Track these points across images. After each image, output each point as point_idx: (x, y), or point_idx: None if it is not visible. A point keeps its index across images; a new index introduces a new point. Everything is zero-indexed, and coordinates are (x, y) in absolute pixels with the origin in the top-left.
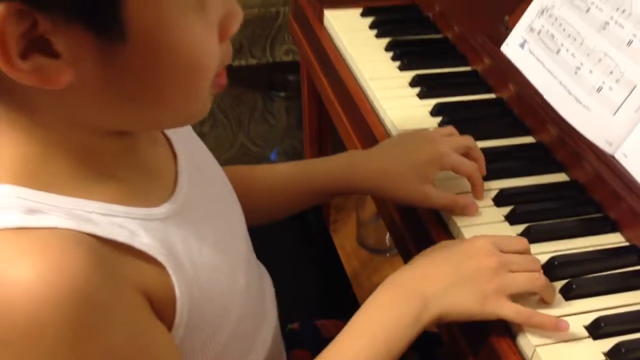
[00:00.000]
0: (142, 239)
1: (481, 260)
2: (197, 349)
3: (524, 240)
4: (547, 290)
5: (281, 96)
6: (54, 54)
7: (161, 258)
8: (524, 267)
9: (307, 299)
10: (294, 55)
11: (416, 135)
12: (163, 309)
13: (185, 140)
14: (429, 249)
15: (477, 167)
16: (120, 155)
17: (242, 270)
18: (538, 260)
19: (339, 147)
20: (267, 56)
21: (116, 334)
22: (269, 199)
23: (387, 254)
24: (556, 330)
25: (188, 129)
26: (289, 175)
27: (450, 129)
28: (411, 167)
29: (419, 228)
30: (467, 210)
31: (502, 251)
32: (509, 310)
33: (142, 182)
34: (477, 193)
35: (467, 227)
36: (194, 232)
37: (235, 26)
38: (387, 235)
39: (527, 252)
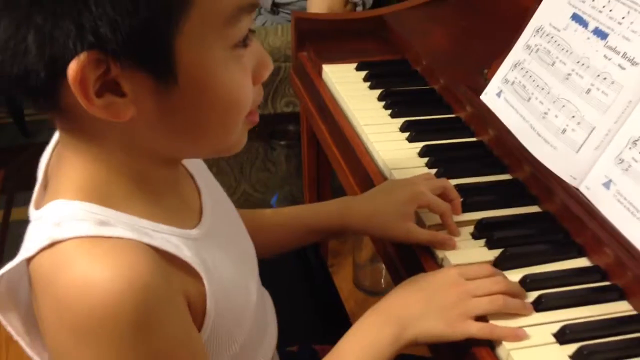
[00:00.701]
0: (185, 252)
1: (449, 289)
2: (214, 355)
3: (488, 267)
4: (508, 307)
5: (281, 145)
6: (121, 94)
7: (199, 269)
8: (486, 291)
9: (306, 326)
10: (294, 106)
11: (399, 181)
12: (195, 315)
13: (205, 178)
14: (407, 281)
15: (449, 207)
16: (165, 183)
17: (254, 288)
18: (502, 282)
19: (337, 192)
20: (269, 107)
21: (170, 326)
22: (273, 236)
23: (383, 295)
24: (515, 339)
25: (206, 169)
26: (291, 217)
27: (428, 174)
28: (394, 207)
29: (411, 256)
30: (445, 246)
31: (468, 279)
32: (474, 329)
33: (179, 208)
34: (449, 230)
35: (452, 252)
36: (218, 253)
37: (266, 73)
38: (383, 278)
39: (492, 276)
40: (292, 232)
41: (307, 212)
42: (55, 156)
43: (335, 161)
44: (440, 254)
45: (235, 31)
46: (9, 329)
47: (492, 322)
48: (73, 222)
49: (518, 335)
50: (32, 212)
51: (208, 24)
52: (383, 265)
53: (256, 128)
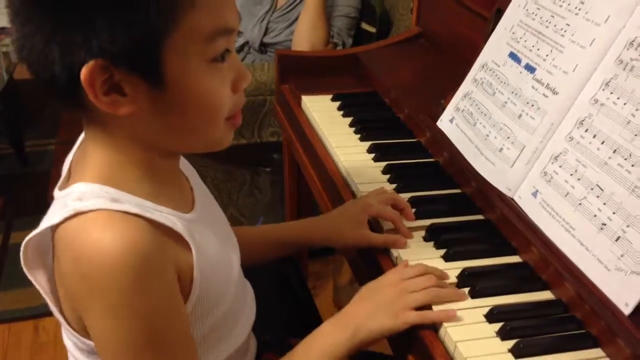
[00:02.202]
0: (179, 227)
1: (389, 288)
2: (200, 318)
3: (422, 266)
4: (440, 297)
5: (267, 172)
6: (123, 94)
7: (189, 240)
8: (421, 287)
9: (280, 324)
10: (278, 136)
11: (355, 200)
12: (184, 282)
13: (197, 181)
14: (361, 290)
15: (397, 214)
16: (166, 172)
17: (235, 268)
18: (434, 278)
19: (316, 214)
20: (255, 137)
21: (160, 286)
22: (250, 249)
23: None
24: (447, 320)
25: (198, 177)
26: (266, 234)
27: (381, 189)
28: (347, 218)
29: (370, 256)
30: (397, 245)
31: (406, 278)
32: (413, 317)
33: (177, 196)
34: (401, 233)
35: (405, 252)
36: (205, 235)
37: (243, 84)
38: None
39: (425, 274)
40: (266, 246)
41: (279, 229)
42: (79, 152)
43: (310, 180)
44: (394, 252)
45: (212, 48)
46: (37, 286)
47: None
48: (92, 198)
49: (449, 316)
50: (57, 193)
51: (189, 41)
52: None
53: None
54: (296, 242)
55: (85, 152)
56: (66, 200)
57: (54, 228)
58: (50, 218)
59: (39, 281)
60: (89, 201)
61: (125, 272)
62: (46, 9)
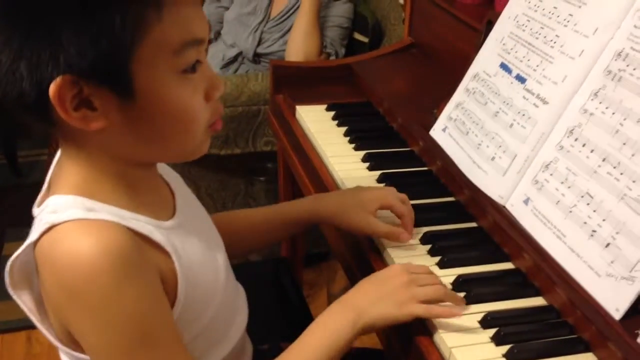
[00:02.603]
0: (157, 236)
1: (397, 278)
2: (188, 323)
3: (426, 267)
4: (447, 296)
5: (261, 181)
6: (93, 108)
7: (169, 249)
8: (429, 282)
9: (275, 331)
10: (272, 145)
11: (370, 186)
12: (169, 288)
13: (179, 187)
14: (363, 279)
15: (411, 210)
16: (142, 181)
17: (221, 272)
18: (438, 277)
19: None
20: (250, 146)
21: (141, 290)
22: (250, 235)
23: None
24: (451, 316)
25: (182, 182)
26: (267, 214)
27: (393, 188)
28: (359, 201)
29: (363, 259)
30: (401, 238)
31: (414, 271)
32: (419, 309)
33: (155, 203)
34: (407, 230)
35: (399, 257)
36: (188, 241)
37: (216, 94)
38: None
39: (430, 273)
40: (271, 226)
41: (285, 207)
42: (56, 167)
43: (305, 189)
44: (389, 259)
45: (182, 60)
46: (23, 307)
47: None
48: (66, 209)
49: (453, 313)
50: (35, 210)
51: (158, 53)
52: None
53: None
54: (306, 219)
55: (61, 166)
56: (42, 216)
57: (34, 245)
58: (31, 236)
59: (24, 301)
60: (64, 213)
61: (103, 273)
62: (13, 24)
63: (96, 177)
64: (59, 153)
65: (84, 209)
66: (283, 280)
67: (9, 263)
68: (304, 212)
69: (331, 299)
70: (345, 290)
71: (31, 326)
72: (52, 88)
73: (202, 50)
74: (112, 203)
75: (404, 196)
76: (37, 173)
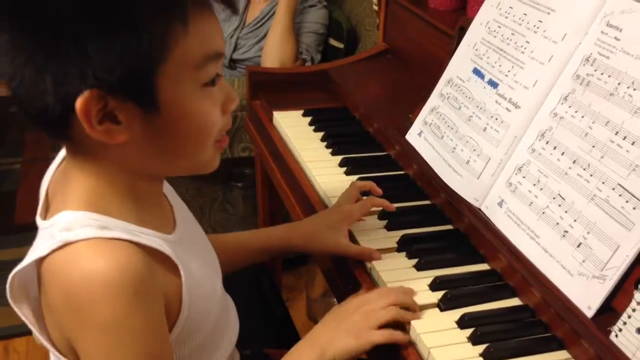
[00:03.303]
0: (167, 249)
1: (353, 312)
2: (187, 338)
3: (386, 288)
4: (401, 316)
5: (239, 187)
6: (117, 122)
7: (177, 262)
8: (382, 306)
9: (257, 337)
10: (250, 151)
11: (333, 207)
12: (173, 305)
13: (176, 199)
14: (327, 314)
15: (373, 202)
16: (150, 195)
17: (218, 285)
18: (393, 295)
19: None
20: (227, 152)
21: (149, 310)
22: (227, 257)
23: None
24: (404, 341)
25: (176, 194)
26: (244, 241)
27: (348, 190)
28: (327, 225)
29: (342, 263)
30: (372, 258)
31: (370, 301)
32: (378, 336)
33: (160, 217)
34: (387, 207)
35: (385, 271)
36: (189, 255)
37: (232, 106)
38: None
39: (388, 294)
40: (246, 252)
41: (258, 235)
42: (60, 175)
43: (283, 194)
44: (369, 263)
45: (204, 74)
46: (23, 318)
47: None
48: (80, 227)
49: (410, 339)
50: (41, 222)
51: (182, 68)
52: (335, 300)
53: (219, 170)
54: (277, 247)
55: (68, 178)
56: (52, 231)
57: (40, 260)
58: (37, 250)
59: (24, 313)
60: (77, 230)
61: (117, 295)
62: (39, 39)
63: (107, 191)
64: (56, 162)
65: (98, 227)
66: (263, 284)
67: (11, 275)
68: (277, 242)
69: (310, 302)
70: (324, 295)
71: (8, 336)
72: (80, 102)
73: (220, 64)
74: (122, 217)
75: (356, 185)
76: (10, 182)
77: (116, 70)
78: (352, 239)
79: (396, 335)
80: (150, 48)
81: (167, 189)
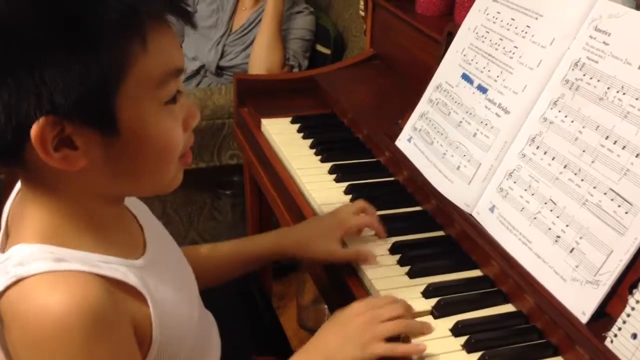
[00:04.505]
0: (132, 279)
1: (358, 319)
2: None
3: (391, 297)
4: (410, 328)
5: (227, 194)
6: (74, 147)
7: (144, 292)
8: (392, 315)
9: (249, 344)
10: (238, 158)
11: (326, 214)
12: (143, 336)
13: (147, 218)
14: (326, 321)
15: (371, 219)
16: (111, 219)
17: (195, 308)
18: (403, 307)
19: None
20: (215, 160)
21: (114, 344)
22: (214, 269)
23: None
24: (417, 353)
25: (148, 212)
26: (231, 251)
27: (347, 204)
28: (320, 232)
29: (332, 270)
30: (367, 261)
31: (375, 308)
32: (382, 348)
33: (125, 241)
34: (380, 234)
35: (377, 279)
36: (160, 279)
37: (193, 122)
38: (326, 317)
39: (394, 303)
40: (237, 262)
41: (247, 244)
42: (16, 207)
43: (273, 201)
44: (360, 272)
45: (165, 92)
46: None
47: None
48: (34, 261)
49: (419, 350)
50: None
51: (142, 87)
52: (325, 306)
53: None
54: (269, 255)
55: (23, 209)
56: (6, 267)
57: None
58: None
59: None
60: (31, 265)
61: (73, 332)
62: None
63: (64, 221)
64: (15, 193)
65: (53, 260)
66: (253, 292)
67: None
68: (267, 249)
69: (300, 310)
70: (314, 301)
71: None
72: (34, 130)
73: (180, 80)
74: (81, 247)
75: (360, 204)
76: None
77: (73, 94)
78: (342, 245)
79: (401, 348)
80: (108, 70)
81: (139, 208)
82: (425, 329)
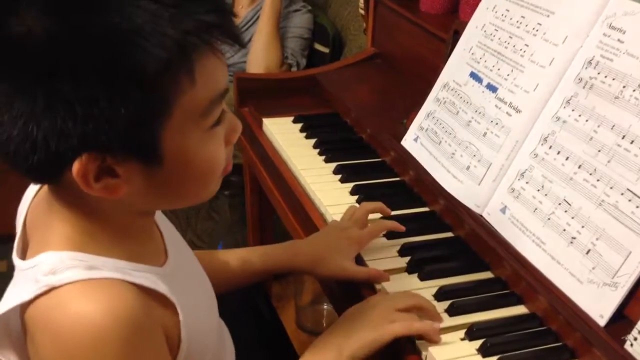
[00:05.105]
0: (161, 286)
1: (374, 308)
2: None
3: (410, 292)
4: (422, 325)
5: (225, 194)
6: (115, 175)
7: (174, 300)
8: (407, 305)
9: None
10: (237, 158)
11: (336, 228)
12: (172, 344)
13: (164, 222)
14: (343, 314)
15: (382, 225)
16: (143, 230)
17: (215, 314)
18: (417, 296)
19: (278, 237)
20: None
21: (149, 353)
22: (223, 277)
23: None
24: (433, 332)
25: (164, 216)
26: (242, 261)
27: (351, 209)
28: (335, 251)
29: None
30: (380, 279)
31: (392, 297)
32: (397, 327)
33: (153, 249)
34: (398, 229)
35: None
36: (185, 286)
37: (236, 136)
38: (324, 319)
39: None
40: (241, 274)
41: (257, 256)
42: (40, 207)
43: (277, 204)
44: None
45: (210, 118)
46: None
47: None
48: (66, 269)
49: (434, 329)
50: (20, 263)
51: (187, 118)
52: (324, 307)
53: None
54: (280, 269)
55: (51, 214)
56: (36, 275)
57: (24, 305)
58: (19, 294)
59: (10, 359)
60: (63, 274)
61: (113, 343)
62: (32, 95)
63: (94, 229)
64: (34, 190)
65: (85, 268)
66: (255, 297)
67: None
68: (280, 264)
69: (299, 311)
70: (313, 302)
71: None
72: (76, 166)
73: (224, 99)
74: (111, 255)
75: (366, 207)
76: None
77: (118, 133)
78: (361, 261)
79: (417, 325)
80: (154, 108)
81: (157, 213)
82: (436, 315)
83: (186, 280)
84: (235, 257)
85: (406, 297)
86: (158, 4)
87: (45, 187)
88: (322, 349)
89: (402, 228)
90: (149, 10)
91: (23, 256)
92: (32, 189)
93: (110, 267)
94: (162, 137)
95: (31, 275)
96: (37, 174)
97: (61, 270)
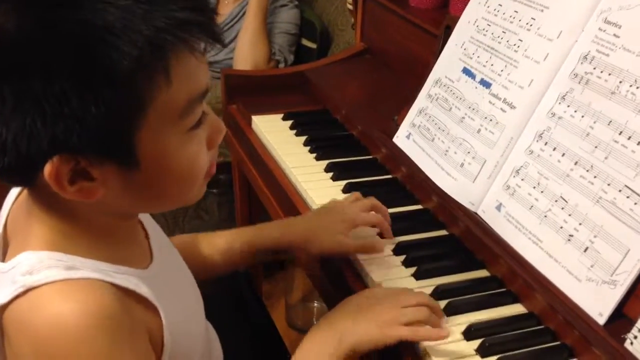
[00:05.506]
0: (143, 289)
1: (380, 300)
2: None
3: (410, 289)
4: (431, 318)
5: (213, 193)
6: (91, 178)
7: (156, 303)
8: (413, 302)
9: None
10: (225, 157)
11: (333, 204)
12: (154, 346)
13: (149, 221)
14: (345, 299)
15: (381, 218)
16: (125, 232)
17: (200, 318)
18: (425, 296)
19: None
20: None
21: (131, 351)
22: (211, 262)
23: None
24: (439, 338)
25: (150, 217)
26: (230, 241)
27: (356, 194)
28: (328, 224)
29: (345, 287)
30: (376, 249)
31: (401, 292)
32: (404, 332)
33: (135, 251)
34: (386, 235)
35: (383, 282)
36: (169, 287)
37: (219, 138)
38: (314, 316)
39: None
40: (233, 255)
41: (250, 234)
42: (19, 211)
43: (267, 202)
44: (362, 272)
45: (189, 119)
46: None
47: None
48: (44, 269)
49: (440, 335)
50: (0, 265)
51: (164, 119)
52: (314, 305)
53: None
54: (271, 247)
55: (30, 215)
56: (14, 276)
57: (2, 308)
58: None
59: None
60: (41, 273)
61: (91, 344)
62: (1, 96)
63: (74, 230)
64: (12, 199)
65: (64, 268)
66: (244, 293)
67: None
68: (272, 241)
69: (289, 309)
70: (303, 300)
71: None
72: (48, 168)
73: (204, 100)
74: (92, 256)
75: (371, 202)
76: None
77: (91, 132)
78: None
79: (423, 332)
80: (127, 108)
81: (142, 214)
82: (442, 327)
83: (171, 283)
84: (222, 239)
85: (412, 295)
86: (131, 0)
87: (26, 197)
88: (325, 331)
89: (391, 236)
90: (122, 7)
91: (3, 259)
92: (14, 191)
93: (90, 268)
94: (138, 139)
95: (9, 276)
96: (10, 176)
97: (39, 270)
